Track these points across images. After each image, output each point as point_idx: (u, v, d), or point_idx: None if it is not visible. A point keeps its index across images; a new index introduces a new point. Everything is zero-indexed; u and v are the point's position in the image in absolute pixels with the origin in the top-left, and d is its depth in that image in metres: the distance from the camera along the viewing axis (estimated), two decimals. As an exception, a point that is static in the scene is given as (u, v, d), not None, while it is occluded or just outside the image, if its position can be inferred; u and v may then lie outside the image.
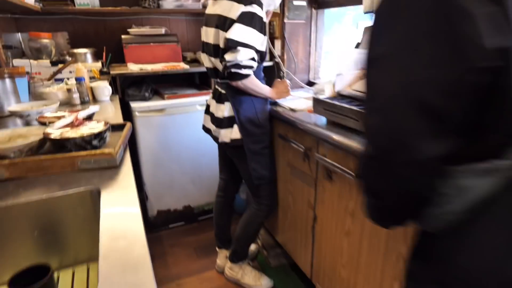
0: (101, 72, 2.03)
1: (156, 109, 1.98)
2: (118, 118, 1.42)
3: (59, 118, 1.06)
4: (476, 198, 0.46)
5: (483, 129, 0.45)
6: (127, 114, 1.93)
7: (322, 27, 2.26)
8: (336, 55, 1.43)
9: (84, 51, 2.14)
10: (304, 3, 2.15)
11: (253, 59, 1.39)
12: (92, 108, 1.14)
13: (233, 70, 1.38)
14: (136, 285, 0.48)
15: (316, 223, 1.40)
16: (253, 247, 1.98)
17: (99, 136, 0.92)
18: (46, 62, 1.97)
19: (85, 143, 0.89)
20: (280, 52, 2.24)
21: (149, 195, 2.11)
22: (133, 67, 2.05)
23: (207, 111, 1.66)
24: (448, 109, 0.43)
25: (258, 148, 1.53)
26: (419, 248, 0.59)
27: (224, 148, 1.64)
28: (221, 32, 1.39)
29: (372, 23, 0.49)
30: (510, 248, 0.45)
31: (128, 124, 1.15)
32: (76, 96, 1.66)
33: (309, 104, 1.52)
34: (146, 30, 2.29)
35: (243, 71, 1.39)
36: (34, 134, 0.97)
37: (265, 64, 2.02)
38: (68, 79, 1.90)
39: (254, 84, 1.46)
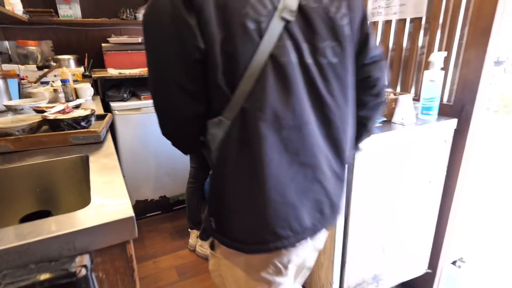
0: (84, 76, 2.26)
1: (134, 108, 2.22)
2: (100, 112, 1.66)
3: (52, 108, 1.30)
4: (220, 141, 0.75)
5: (210, 99, 0.74)
6: (108, 113, 2.16)
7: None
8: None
9: (67, 57, 2.36)
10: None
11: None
12: (79, 100, 1.39)
13: None
14: (114, 194, 0.74)
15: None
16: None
17: (87, 118, 1.17)
18: (33, 67, 2.17)
19: (75, 123, 1.14)
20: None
21: (128, 186, 2.32)
22: (112, 72, 2.30)
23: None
24: (190, 86, 0.72)
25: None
26: (210, 192, 0.86)
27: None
28: None
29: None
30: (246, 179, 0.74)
31: (109, 115, 1.40)
32: (61, 95, 1.88)
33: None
34: (124, 39, 2.54)
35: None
36: (32, 119, 1.20)
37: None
38: (53, 82, 2.12)
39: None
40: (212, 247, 0.94)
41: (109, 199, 0.74)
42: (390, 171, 1.30)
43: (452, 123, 1.40)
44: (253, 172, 0.72)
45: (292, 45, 0.69)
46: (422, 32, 1.54)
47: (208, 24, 0.63)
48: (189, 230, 2.13)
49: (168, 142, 0.89)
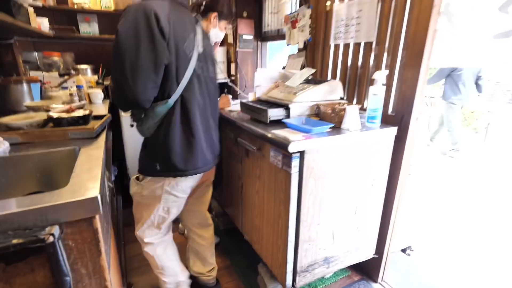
0: (97, 83, 2.32)
1: (138, 111, 2.27)
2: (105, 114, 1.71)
3: (57, 108, 1.35)
4: (161, 116, 1.14)
5: (163, 88, 1.10)
6: (116, 115, 2.22)
7: (265, 54, 2.62)
8: (256, 73, 1.76)
9: (85, 67, 2.43)
10: (251, 37, 2.51)
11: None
12: (82, 102, 1.44)
13: None
14: (89, 179, 0.78)
15: (243, 189, 1.71)
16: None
17: (84, 118, 1.22)
18: (55, 74, 2.24)
19: (74, 121, 1.19)
20: (235, 72, 2.59)
21: (131, 177, 2.37)
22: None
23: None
24: (158, 80, 1.06)
25: (206, 137, 1.85)
26: (146, 147, 1.24)
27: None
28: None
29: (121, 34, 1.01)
30: (182, 137, 1.17)
31: (108, 115, 1.45)
32: (76, 98, 1.94)
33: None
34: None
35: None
36: (41, 116, 1.26)
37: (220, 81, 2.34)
38: (71, 87, 2.18)
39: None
40: (137, 178, 1.30)
41: (83, 182, 0.78)
42: (338, 169, 1.34)
43: (393, 130, 1.43)
44: (188, 130, 1.18)
45: (200, 65, 1.19)
46: (373, 53, 1.58)
47: (170, 48, 1.06)
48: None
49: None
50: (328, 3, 1.78)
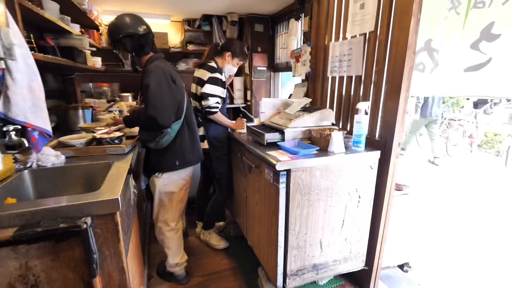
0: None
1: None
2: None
3: (100, 130, 1.66)
4: (176, 130, 1.60)
5: (177, 115, 1.58)
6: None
7: (278, 83, 2.85)
8: (261, 102, 1.98)
9: (127, 94, 2.82)
10: (265, 68, 2.76)
11: (217, 103, 1.96)
12: (120, 125, 1.74)
13: (206, 109, 1.95)
14: (114, 185, 1.02)
15: (247, 201, 1.89)
16: (222, 223, 2.46)
17: (119, 138, 1.50)
18: (104, 100, 2.64)
19: (111, 141, 1.47)
20: (250, 98, 2.83)
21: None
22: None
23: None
24: (175, 110, 1.54)
25: (219, 155, 2.07)
26: (164, 152, 1.63)
27: (201, 154, 2.21)
28: (198, 87, 1.99)
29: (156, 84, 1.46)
30: (189, 140, 1.70)
31: (138, 136, 1.73)
32: (118, 121, 2.28)
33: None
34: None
35: (212, 110, 1.95)
36: (87, 137, 1.57)
37: (232, 106, 2.60)
38: (115, 111, 2.55)
39: (219, 117, 2.01)
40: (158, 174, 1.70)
41: (110, 187, 1.03)
42: (323, 186, 1.47)
43: (377, 153, 1.54)
44: (192, 138, 1.72)
45: (188, 97, 1.68)
46: (362, 86, 1.73)
47: (179, 90, 1.55)
48: (196, 221, 2.38)
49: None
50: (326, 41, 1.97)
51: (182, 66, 3.09)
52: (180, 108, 1.57)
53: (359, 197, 1.58)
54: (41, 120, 1.17)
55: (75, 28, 2.01)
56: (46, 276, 0.91)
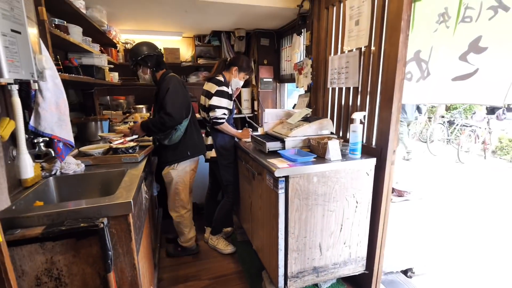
0: (149, 118, 2.84)
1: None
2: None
3: (116, 140, 1.81)
4: (185, 126, 1.97)
5: (186, 114, 1.97)
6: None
7: (284, 93, 2.95)
8: (264, 112, 2.09)
9: (141, 106, 3.00)
10: (271, 80, 2.88)
11: (224, 114, 2.08)
12: (134, 136, 1.89)
13: (214, 120, 2.07)
14: (127, 190, 1.15)
15: (251, 206, 1.98)
16: (229, 229, 2.55)
17: (133, 148, 1.64)
18: (120, 112, 2.82)
19: (126, 150, 1.62)
20: (257, 108, 2.95)
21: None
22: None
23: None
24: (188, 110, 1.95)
25: (226, 163, 2.18)
26: (176, 146, 1.99)
27: (209, 163, 2.31)
28: (207, 99, 2.12)
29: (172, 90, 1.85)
30: (196, 135, 2.06)
31: (151, 146, 1.88)
32: (132, 131, 2.45)
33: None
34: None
35: (219, 121, 2.08)
36: (104, 146, 1.72)
37: (239, 116, 2.72)
38: (130, 122, 2.73)
39: (226, 127, 2.13)
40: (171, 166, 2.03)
41: (124, 192, 1.15)
42: (321, 191, 1.54)
43: (373, 161, 1.61)
44: (196, 133, 2.06)
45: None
46: (359, 96, 1.81)
47: (188, 94, 1.92)
48: (205, 227, 2.48)
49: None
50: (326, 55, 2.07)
51: (192, 79, 3.26)
52: (189, 107, 1.97)
53: (357, 202, 1.64)
54: (66, 132, 1.32)
55: (96, 48, 2.20)
56: (68, 270, 1.03)
